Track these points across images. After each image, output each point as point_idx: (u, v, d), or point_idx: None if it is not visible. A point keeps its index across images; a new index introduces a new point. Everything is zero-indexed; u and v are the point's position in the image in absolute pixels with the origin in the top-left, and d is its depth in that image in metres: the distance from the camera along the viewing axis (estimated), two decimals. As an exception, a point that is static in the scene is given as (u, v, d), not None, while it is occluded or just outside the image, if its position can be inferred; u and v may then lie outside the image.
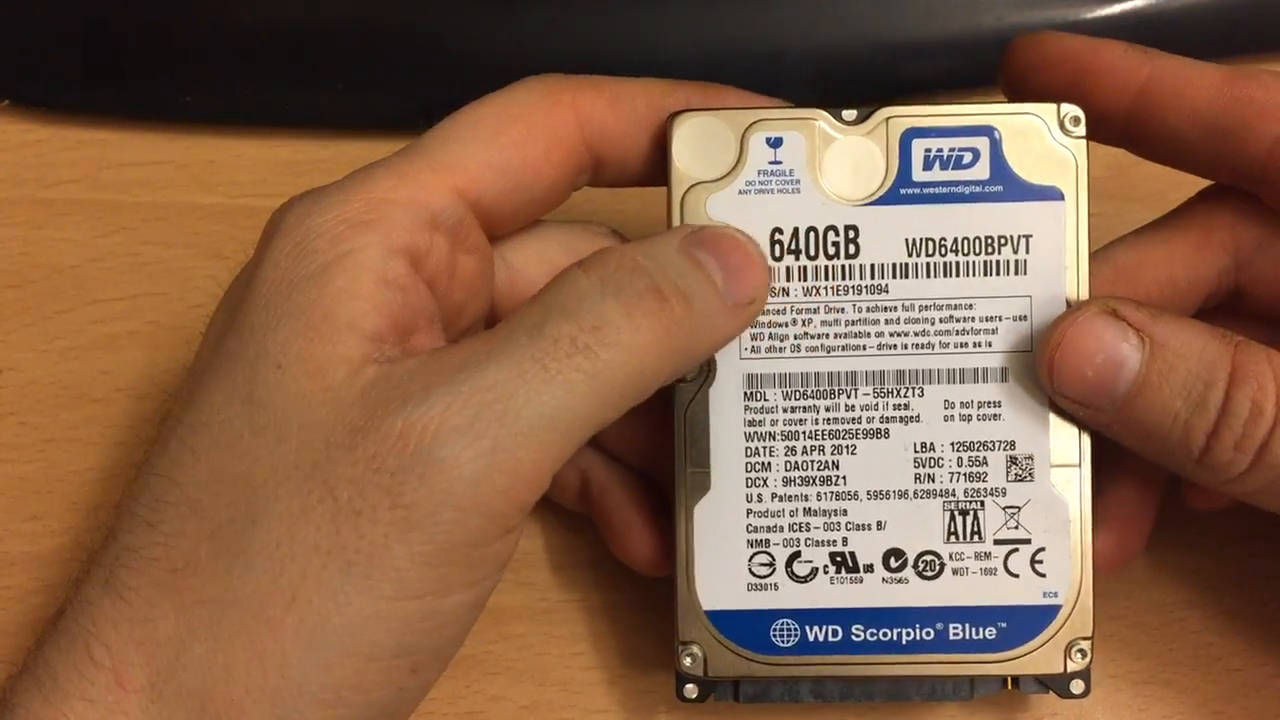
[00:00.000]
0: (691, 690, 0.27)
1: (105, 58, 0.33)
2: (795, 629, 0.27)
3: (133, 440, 0.32)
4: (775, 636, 0.27)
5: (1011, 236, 0.26)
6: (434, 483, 0.21)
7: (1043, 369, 0.25)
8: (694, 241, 0.24)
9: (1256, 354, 0.24)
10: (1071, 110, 0.26)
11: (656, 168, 0.26)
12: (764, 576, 0.27)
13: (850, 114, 0.26)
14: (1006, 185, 0.26)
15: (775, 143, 0.26)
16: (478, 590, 0.23)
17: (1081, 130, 0.26)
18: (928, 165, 0.26)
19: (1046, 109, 0.26)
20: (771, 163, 0.26)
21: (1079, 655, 0.26)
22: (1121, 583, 0.31)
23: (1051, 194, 0.26)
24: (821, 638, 0.27)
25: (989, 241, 0.26)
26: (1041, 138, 0.26)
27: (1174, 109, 0.26)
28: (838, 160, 0.26)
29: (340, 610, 0.21)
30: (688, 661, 0.27)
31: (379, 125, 0.33)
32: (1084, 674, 0.26)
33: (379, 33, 0.33)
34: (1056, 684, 0.27)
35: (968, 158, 0.26)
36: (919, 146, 0.26)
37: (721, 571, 0.26)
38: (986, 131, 0.26)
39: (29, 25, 0.33)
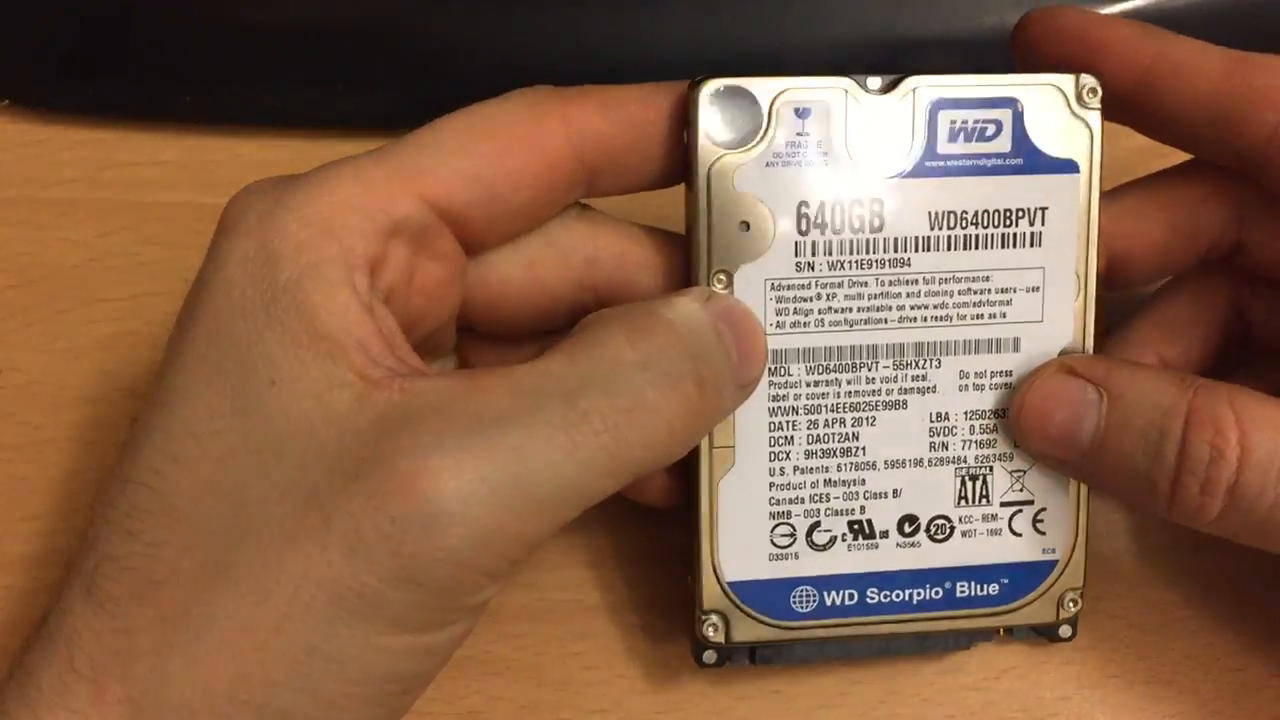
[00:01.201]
0: (710, 656, 0.28)
1: (105, 57, 0.34)
2: (814, 595, 0.28)
3: (122, 447, 0.32)
4: (795, 603, 0.28)
5: (1029, 209, 0.27)
6: (436, 538, 0.21)
7: (1013, 428, 0.27)
8: (720, 315, 0.25)
9: (1216, 397, 0.25)
10: (1089, 81, 0.27)
11: (656, 171, 0.26)
12: (785, 547, 0.28)
13: (875, 82, 0.26)
14: (1026, 158, 0.27)
15: (804, 113, 0.26)
16: (467, 623, 0.23)
17: (1097, 102, 0.27)
18: (953, 138, 0.27)
19: (1065, 80, 0.27)
20: (799, 134, 0.26)
21: (1071, 604, 0.28)
22: (1121, 582, 0.31)
23: (1068, 167, 0.27)
24: (839, 602, 0.28)
25: (1008, 214, 0.27)
26: (1061, 109, 0.27)
27: (1177, 92, 0.27)
28: (864, 132, 0.26)
29: (329, 641, 0.21)
30: (710, 631, 0.28)
31: (379, 125, 0.33)
32: (1072, 620, 0.28)
33: (379, 33, 0.33)
34: (1047, 630, 0.28)
35: (991, 130, 0.27)
36: (945, 118, 0.26)
37: (744, 544, 0.27)
38: (1009, 104, 0.27)
39: (29, 25, 0.34)
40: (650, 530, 0.30)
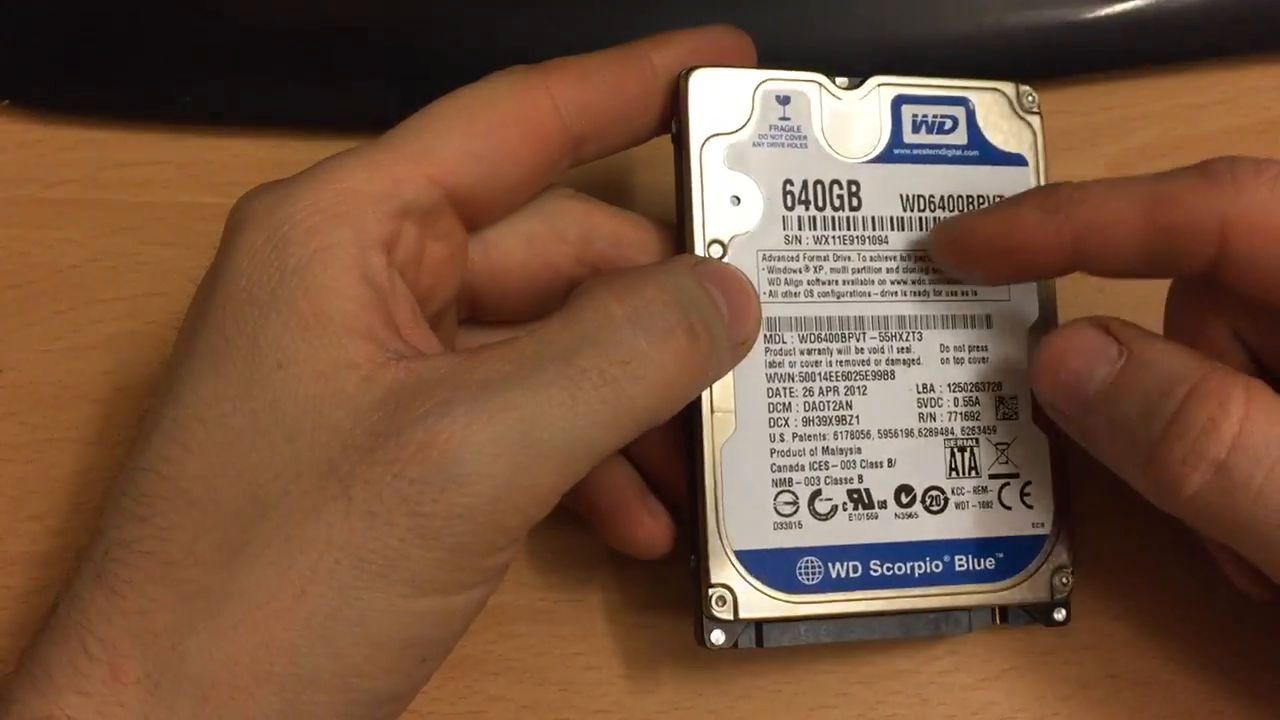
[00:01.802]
0: (718, 636, 0.28)
1: (105, 58, 0.34)
2: (819, 566, 0.28)
3: (133, 440, 0.32)
4: (801, 574, 0.28)
5: (988, 196, 0.29)
6: (454, 497, 0.22)
7: (1028, 371, 0.27)
8: (706, 275, 0.26)
9: (1231, 376, 0.24)
10: (1027, 90, 0.30)
11: (636, 132, 0.28)
12: (788, 515, 0.28)
13: (843, 81, 0.29)
14: (981, 150, 0.29)
15: (784, 100, 0.29)
16: (486, 588, 0.24)
17: (1036, 108, 0.30)
18: (915, 129, 0.29)
19: (1007, 86, 0.30)
20: (781, 119, 0.28)
21: (1062, 582, 0.29)
22: (1121, 583, 0.31)
23: (1017, 160, 0.30)
24: (844, 574, 0.28)
25: (969, 200, 0.29)
26: (1006, 110, 0.29)
27: (1109, 259, 0.26)
28: (838, 120, 0.29)
29: (351, 604, 0.22)
30: (717, 606, 0.27)
31: (379, 125, 0.33)
32: (1065, 602, 0.29)
33: (380, 33, 0.33)
34: (1041, 613, 0.29)
35: (949, 124, 0.29)
36: (908, 111, 0.29)
37: (749, 511, 0.28)
38: (962, 102, 0.29)
39: (29, 25, 0.34)
40: (650, 530, 0.30)
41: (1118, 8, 0.33)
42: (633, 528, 0.29)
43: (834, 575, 0.28)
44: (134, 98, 0.34)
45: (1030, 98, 0.29)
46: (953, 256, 0.28)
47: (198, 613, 0.22)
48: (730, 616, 0.27)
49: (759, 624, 0.28)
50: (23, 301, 0.34)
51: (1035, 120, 0.29)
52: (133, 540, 0.23)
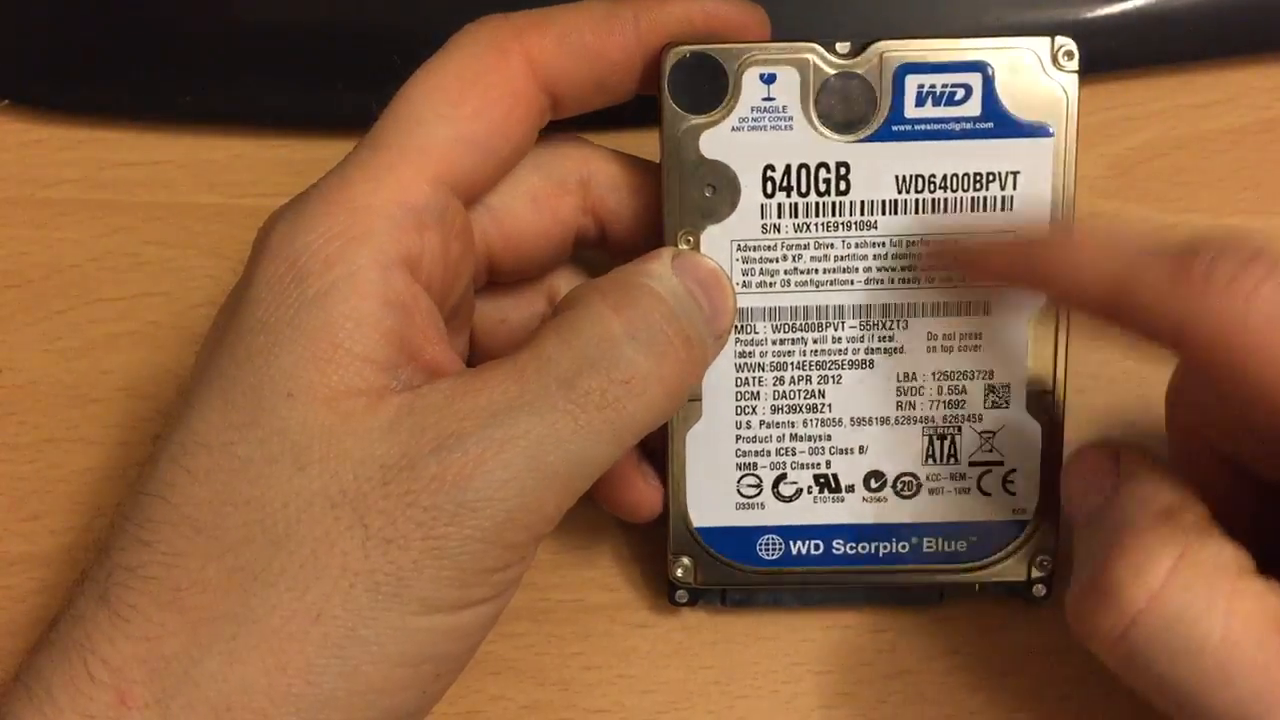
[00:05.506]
0: (682, 596, 0.30)
1: (105, 58, 0.34)
2: (780, 543, 0.29)
3: (133, 440, 0.33)
4: (761, 550, 0.29)
5: (1000, 173, 0.28)
6: (465, 520, 0.23)
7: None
8: (688, 273, 0.26)
9: (1163, 539, 0.23)
10: (1066, 44, 0.27)
11: (618, 94, 0.27)
12: (751, 497, 0.29)
13: (844, 46, 0.27)
14: (997, 122, 0.27)
15: (769, 79, 0.27)
16: (498, 602, 0.25)
17: (1074, 65, 0.27)
18: (920, 102, 0.27)
19: (1040, 42, 0.27)
20: (765, 99, 0.27)
21: (1043, 565, 0.29)
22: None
23: (1041, 131, 0.27)
24: (804, 551, 0.29)
25: (978, 178, 0.28)
26: (1034, 73, 0.27)
27: (1077, 311, 0.26)
28: (830, 96, 0.27)
29: (367, 624, 0.23)
30: (679, 572, 0.29)
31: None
32: (1046, 580, 0.29)
33: (380, 32, 0.33)
34: (1020, 589, 0.29)
35: (960, 94, 0.27)
36: (912, 83, 0.27)
37: (711, 493, 0.29)
38: (979, 68, 0.27)
39: (29, 25, 0.34)
40: (649, 530, 0.30)
41: (1118, 8, 0.33)
42: (625, 490, 0.29)
43: (794, 552, 0.29)
44: (134, 98, 0.35)
45: (1067, 53, 0.27)
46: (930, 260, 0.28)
47: (210, 638, 0.22)
48: (691, 582, 0.29)
49: (722, 590, 0.29)
50: (23, 301, 0.34)
51: (1069, 80, 0.27)
52: (137, 565, 0.23)
